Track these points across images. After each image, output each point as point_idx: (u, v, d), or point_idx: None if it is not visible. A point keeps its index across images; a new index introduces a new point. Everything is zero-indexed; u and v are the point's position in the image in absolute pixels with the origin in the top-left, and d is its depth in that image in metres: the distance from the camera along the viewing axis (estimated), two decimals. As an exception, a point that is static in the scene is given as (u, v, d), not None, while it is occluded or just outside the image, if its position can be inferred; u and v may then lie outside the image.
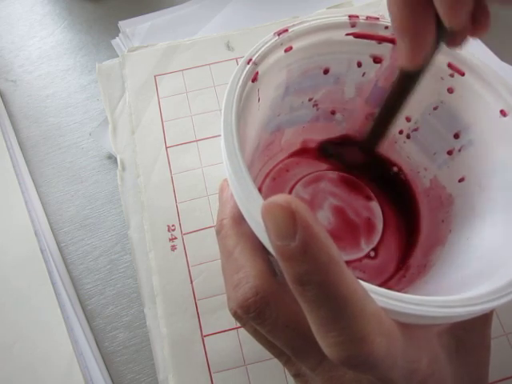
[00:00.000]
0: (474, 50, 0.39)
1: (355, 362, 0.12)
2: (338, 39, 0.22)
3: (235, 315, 0.17)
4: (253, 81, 0.19)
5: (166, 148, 0.33)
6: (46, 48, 0.40)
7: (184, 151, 0.33)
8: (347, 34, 0.21)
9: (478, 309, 0.14)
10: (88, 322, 0.29)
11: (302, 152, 0.29)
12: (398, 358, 0.13)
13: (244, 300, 0.16)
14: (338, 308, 0.12)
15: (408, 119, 0.24)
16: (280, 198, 0.12)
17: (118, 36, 0.40)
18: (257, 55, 0.19)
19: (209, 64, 0.36)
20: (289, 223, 0.11)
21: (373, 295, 0.13)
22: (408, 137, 0.25)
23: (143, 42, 0.39)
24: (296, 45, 0.21)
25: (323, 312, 0.12)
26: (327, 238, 0.12)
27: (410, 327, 0.14)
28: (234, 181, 0.15)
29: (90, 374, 0.27)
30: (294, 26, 0.21)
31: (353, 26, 0.21)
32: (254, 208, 0.15)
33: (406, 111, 0.24)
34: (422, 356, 0.15)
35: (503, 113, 0.19)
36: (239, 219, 0.18)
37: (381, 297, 0.13)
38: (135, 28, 0.40)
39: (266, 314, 0.16)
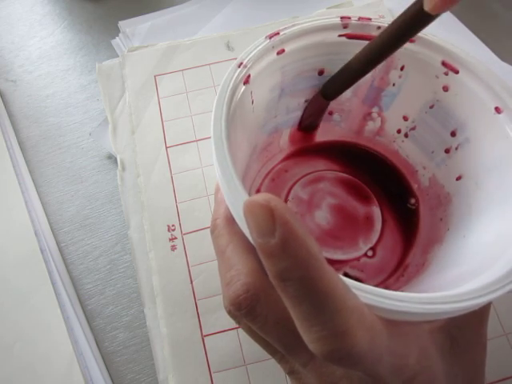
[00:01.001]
0: (474, 50, 0.39)
1: (338, 355, 0.12)
2: (330, 41, 0.22)
3: (229, 313, 0.17)
4: (245, 83, 0.19)
5: (166, 148, 0.33)
6: (46, 48, 0.41)
7: (184, 151, 0.33)
8: (340, 36, 0.21)
9: (464, 305, 0.14)
10: (88, 322, 0.29)
11: (301, 152, 0.29)
12: (384, 352, 0.13)
13: (235, 297, 0.16)
14: (319, 303, 0.12)
15: (405, 118, 0.25)
16: (260, 196, 0.12)
17: (117, 36, 0.40)
18: (248, 59, 0.19)
19: (209, 64, 0.37)
20: (268, 221, 0.12)
21: (356, 291, 0.13)
22: (406, 136, 0.25)
23: (143, 42, 0.39)
24: (288, 47, 0.21)
25: (304, 307, 0.12)
26: (306, 235, 0.12)
27: (397, 324, 0.14)
28: (223, 183, 0.16)
29: (90, 374, 0.27)
30: (285, 28, 0.21)
31: (345, 27, 0.21)
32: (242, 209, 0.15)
33: (403, 110, 0.24)
34: (411, 352, 0.15)
35: (498, 110, 0.19)
36: (232, 219, 0.18)
37: (364, 293, 0.13)
38: (135, 28, 0.40)
39: (256, 311, 0.16)
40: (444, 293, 0.14)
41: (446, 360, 0.17)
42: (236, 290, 0.16)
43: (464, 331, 0.17)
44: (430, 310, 0.13)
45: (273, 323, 0.16)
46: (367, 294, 0.13)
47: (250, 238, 0.15)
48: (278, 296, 0.14)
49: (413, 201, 0.26)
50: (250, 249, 0.17)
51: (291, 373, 0.18)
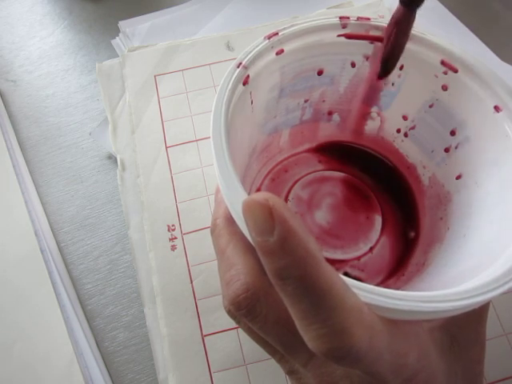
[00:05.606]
0: (474, 50, 0.39)
1: (337, 354, 0.13)
2: (329, 41, 0.22)
3: (229, 313, 0.17)
4: (244, 84, 0.19)
5: (166, 148, 0.33)
6: (45, 48, 0.41)
7: (184, 151, 0.33)
8: (339, 36, 0.22)
9: (464, 303, 0.14)
10: (88, 322, 0.29)
11: (301, 152, 0.29)
12: (384, 351, 0.13)
13: (235, 297, 0.16)
14: (318, 301, 0.12)
15: (405, 118, 0.25)
16: (258, 195, 0.12)
17: (118, 36, 0.40)
18: (247, 59, 0.19)
19: (209, 64, 0.37)
20: (267, 219, 0.12)
21: (356, 291, 0.13)
22: (405, 135, 0.25)
23: (143, 42, 0.39)
24: (287, 47, 0.21)
25: (303, 305, 0.13)
26: (305, 233, 0.12)
27: (397, 322, 0.14)
28: (222, 183, 0.16)
29: (90, 374, 0.27)
30: (284, 29, 0.21)
31: (344, 27, 0.21)
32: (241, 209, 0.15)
33: (403, 110, 0.24)
34: (411, 351, 0.15)
35: (497, 109, 0.19)
36: (232, 219, 0.18)
37: (363, 292, 0.13)
38: (135, 28, 0.40)
39: (256, 311, 0.16)
40: (444, 291, 0.14)
41: (446, 358, 0.17)
42: (236, 290, 0.16)
43: (463, 330, 0.18)
44: (430, 308, 0.13)
45: (272, 323, 0.16)
46: (367, 292, 0.13)
47: (249, 238, 0.15)
48: (278, 296, 0.14)
49: (413, 200, 0.26)
50: (249, 249, 0.17)
51: (291, 373, 0.18)
